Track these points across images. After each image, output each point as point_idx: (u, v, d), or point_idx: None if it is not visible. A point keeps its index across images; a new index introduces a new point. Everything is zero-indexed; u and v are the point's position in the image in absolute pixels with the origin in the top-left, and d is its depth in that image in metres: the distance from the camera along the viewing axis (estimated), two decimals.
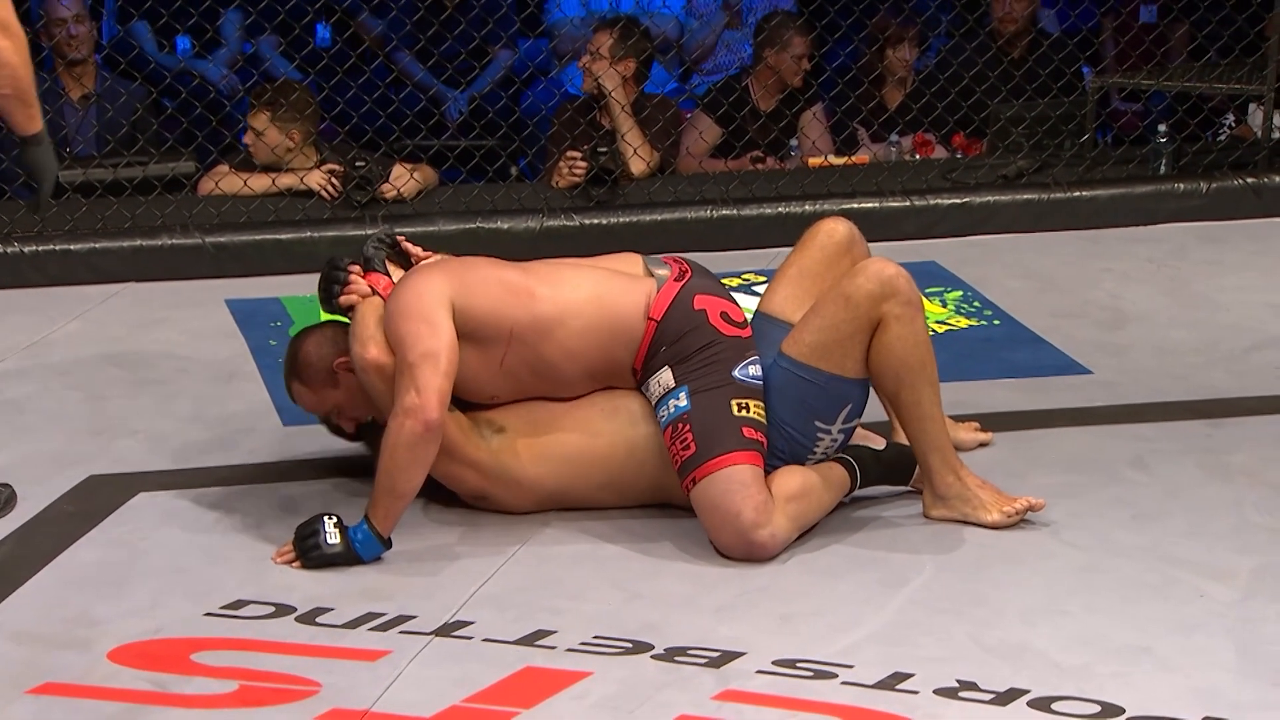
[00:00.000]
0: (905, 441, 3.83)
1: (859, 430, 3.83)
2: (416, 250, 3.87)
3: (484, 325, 3.67)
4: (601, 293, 3.74)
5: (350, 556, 3.57)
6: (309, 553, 3.57)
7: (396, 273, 3.79)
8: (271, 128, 5.81)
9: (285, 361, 3.87)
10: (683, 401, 3.67)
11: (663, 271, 3.80)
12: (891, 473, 3.84)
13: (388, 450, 3.56)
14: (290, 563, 3.58)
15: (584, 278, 3.78)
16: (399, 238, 3.89)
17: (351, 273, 3.78)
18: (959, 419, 4.12)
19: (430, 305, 3.61)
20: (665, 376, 3.70)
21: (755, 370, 3.71)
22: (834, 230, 3.94)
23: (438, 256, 3.87)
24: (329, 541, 3.57)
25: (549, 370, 3.73)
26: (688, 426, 3.64)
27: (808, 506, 3.68)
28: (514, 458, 3.74)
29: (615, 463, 3.74)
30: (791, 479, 3.67)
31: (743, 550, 3.60)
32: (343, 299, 3.77)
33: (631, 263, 3.87)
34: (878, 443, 3.84)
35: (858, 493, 3.82)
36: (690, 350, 3.70)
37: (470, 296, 3.66)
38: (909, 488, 3.86)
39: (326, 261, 3.85)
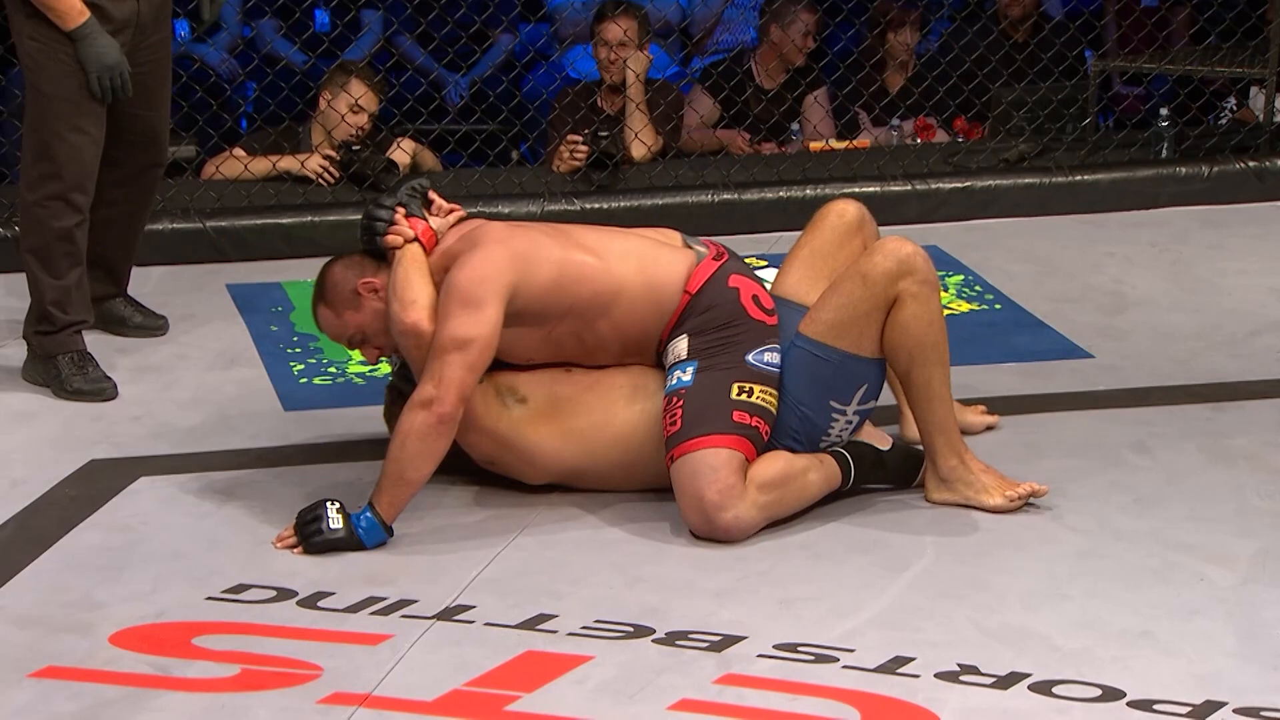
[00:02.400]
0: (913, 434, 3.83)
1: (867, 428, 3.81)
2: (444, 203, 3.85)
3: (543, 305, 3.67)
4: (647, 264, 3.75)
5: (352, 542, 3.57)
6: (311, 538, 3.57)
7: (435, 220, 3.78)
8: (369, 93, 5.83)
9: (314, 287, 3.84)
10: (687, 376, 3.68)
11: (701, 249, 3.82)
12: (894, 475, 3.82)
13: (399, 438, 3.55)
14: (292, 548, 3.58)
15: (630, 248, 3.78)
16: (428, 187, 3.87)
17: (397, 214, 3.76)
18: (966, 402, 4.12)
19: (486, 291, 3.58)
20: (681, 346, 3.71)
21: (772, 358, 3.71)
22: (844, 211, 3.95)
23: (459, 210, 3.84)
24: (331, 526, 3.56)
25: (595, 340, 3.74)
26: (680, 402, 3.65)
27: (782, 497, 3.67)
28: (533, 430, 3.74)
29: (633, 444, 3.74)
30: (773, 466, 3.66)
31: (706, 531, 3.61)
32: (389, 238, 3.73)
33: (670, 236, 3.89)
34: (884, 442, 3.82)
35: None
36: (712, 325, 3.71)
37: (532, 280, 3.64)
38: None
39: (368, 205, 3.81)
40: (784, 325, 3.77)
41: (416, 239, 3.72)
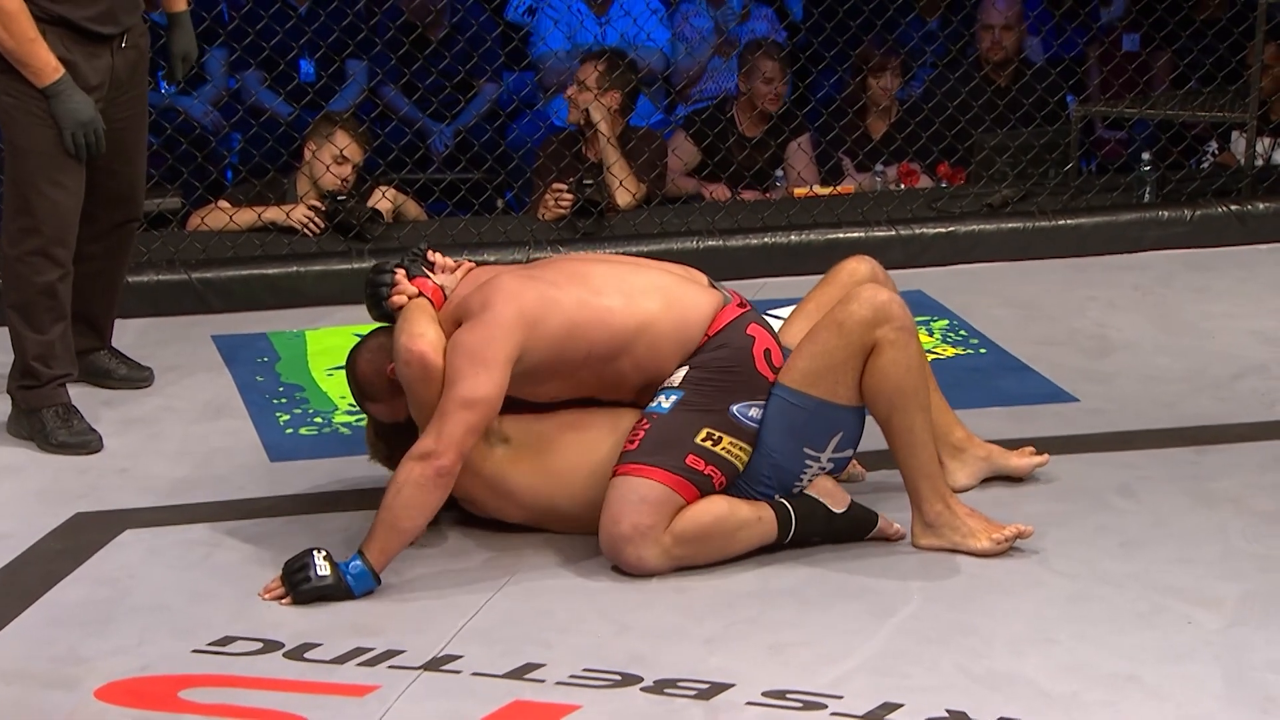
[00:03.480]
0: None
1: (828, 485, 3.77)
2: (446, 260, 3.86)
3: (558, 355, 3.67)
4: (673, 300, 3.76)
5: (341, 590, 3.56)
6: (299, 586, 3.56)
7: (440, 277, 3.80)
8: (353, 144, 5.85)
9: (351, 389, 3.86)
10: (667, 403, 3.68)
11: (726, 294, 3.84)
12: (839, 537, 3.78)
13: (395, 487, 3.55)
14: (280, 599, 3.57)
15: (656, 283, 3.78)
16: (428, 249, 3.89)
17: (398, 275, 3.78)
18: (1010, 446, 4.12)
19: (495, 351, 3.58)
20: (677, 374, 3.72)
21: (756, 413, 3.71)
22: (855, 270, 3.98)
23: (466, 264, 3.86)
24: (319, 574, 3.55)
25: (615, 377, 3.74)
26: (648, 425, 3.66)
27: (696, 553, 3.66)
28: (514, 469, 3.74)
29: (606, 485, 3.72)
30: (700, 518, 3.65)
31: (609, 555, 3.66)
32: (394, 299, 3.75)
33: (696, 275, 3.90)
34: (840, 504, 3.77)
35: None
36: (715, 365, 3.71)
37: (542, 336, 3.64)
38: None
39: (371, 269, 3.85)
40: None
41: (421, 294, 3.74)
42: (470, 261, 3.90)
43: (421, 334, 3.66)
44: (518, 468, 3.74)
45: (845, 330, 3.67)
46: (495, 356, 3.59)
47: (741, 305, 3.82)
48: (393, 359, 3.72)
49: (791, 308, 4.08)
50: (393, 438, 3.82)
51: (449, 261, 3.86)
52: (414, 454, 3.55)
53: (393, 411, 3.81)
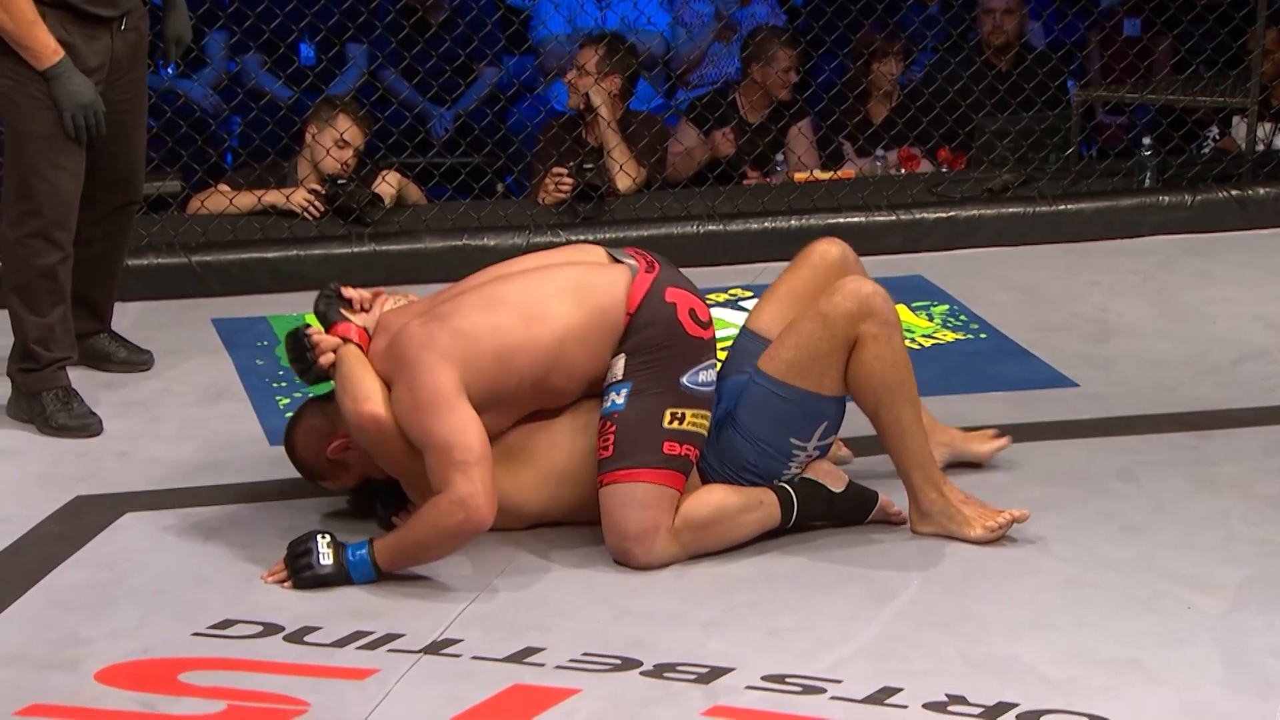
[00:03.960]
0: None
1: (825, 466, 3.79)
2: (362, 294, 3.80)
3: (494, 387, 3.61)
4: (584, 296, 3.67)
5: (342, 577, 3.56)
6: (300, 572, 3.55)
7: (360, 317, 3.74)
8: (354, 127, 5.85)
9: (298, 469, 3.85)
10: (620, 399, 3.65)
11: (631, 262, 3.75)
12: (843, 518, 3.79)
13: (427, 524, 3.51)
14: (281, 582, 3.57)
15: (563, 284, 3.70)
16: (341, 287, 3.81)
17: (312, 335, 3.72)
18: (967, 429, 4.12)
19: (446, 396, 3.52)
20: (618, 366, 3.67)
21: (707, 376, 3.68)
22: (826, 252, 3.95)
23: (384, 294, 3.80)
24: (322, 562, 3.55)
25: (555, 393, 3.71)
26: (614, 428, 3.63)
27: (704, 538, 3.66)
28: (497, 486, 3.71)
29: (582, 479, 3.71)
30: (706, 504, 3.66)
31: (621, 560, 3.64)
32: (322, 360, 3.69)
33: (595, 253, 3.83)
34: (838, 483, 3.78)
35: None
36: (648, 345, 3.66)
37: (474, 373, 3.57)
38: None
39: (287, 338, 3.78)
40: (752, 361, 3.76)
41: (348, 340, 3.69)
42: (382, 291, 3.83)
43: (366, 396, 3.60)
44: (499, 485, 3.61)
45: (829, 323, 3.65)
46: (450, 399, 3.53)
47: (650, 269, 3.72)
48: (330, 435, 3.71)
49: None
50: (369, 498, 3.81)
51: (365, 294, 3.79)
52: (455, 499, 3.48)
53: (344, 483, 3.81)
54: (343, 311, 3.75)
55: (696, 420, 3.66)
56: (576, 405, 3.75)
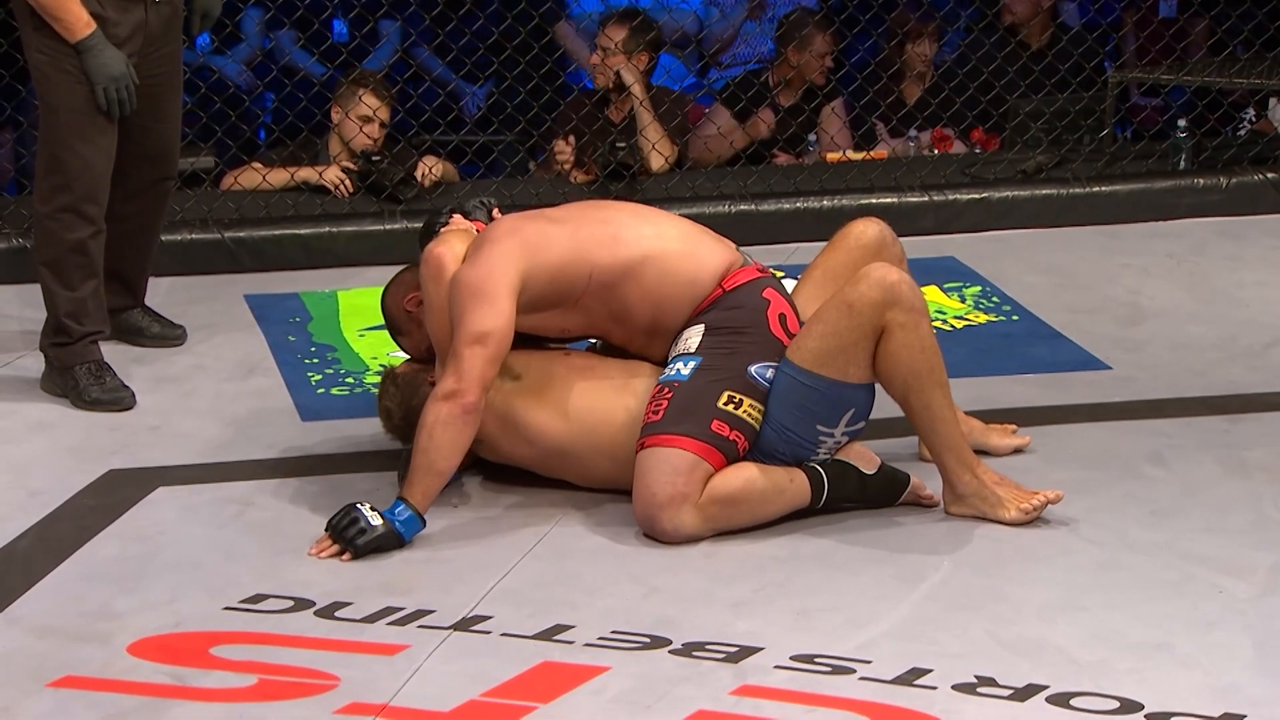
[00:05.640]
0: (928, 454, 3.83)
1: (856, 448, 3.78)
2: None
3: (563, 280, 3.70)
4: (687, 242, 3.79)
5: (393, 537, 3.58)
6: (354, 540, 3.57)
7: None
8: (383, 106, 5.87)
9: (384, 321, 4.03)
10: (686, 370, 3.69)
11: (748, 258, 3.85)
12: (875, 499, 3.79)
13: (425, 430, 3.58)
14: (337, 555, 3.58)
15: (674, 226, 3.84)
16: (494, 206, 3.98)
17: (453, 218, 3.88)
18: (989, 422, 4.11)
19: (495, 282, 3.63)
20: (694, 338, 3.73)
21: (771, 374, 3.71)
22: (863, 233, 3.95)
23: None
24: (371, 524, 3.57)
25: (623, 312, 3.76)
26: (670, 394, 3.66)
27: (735, 513, 3.66)
28: (524, 404, 3.76)
29: (616, 430, 3.73)
30: (734, 480, 3.66)
31: (645, 526, 3.66)
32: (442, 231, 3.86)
33: (721, 236, 3.91)
34: (869, 465, 3.77)
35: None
36: (730, 326, 3.71)
37: (544, 262, 3.68)
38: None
39: (423, 225, 3.98)
40: None
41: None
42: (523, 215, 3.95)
43: (447, 243, 3.76)
44: (528, 404, 3.76)
45: (855, 311, 3.64)
46: (497, 288, 3.63)
47: (761, 271, 3.82)
48: (413, 288, 3.84)
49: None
50: (402, 416, 3.90)
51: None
52: (438, 395, 3.59)
53: (416, 345, 3.92)
54: (483, 218, 3.92)
55: (752, 411, 3.67)
56: (628, 365, 3.80)
